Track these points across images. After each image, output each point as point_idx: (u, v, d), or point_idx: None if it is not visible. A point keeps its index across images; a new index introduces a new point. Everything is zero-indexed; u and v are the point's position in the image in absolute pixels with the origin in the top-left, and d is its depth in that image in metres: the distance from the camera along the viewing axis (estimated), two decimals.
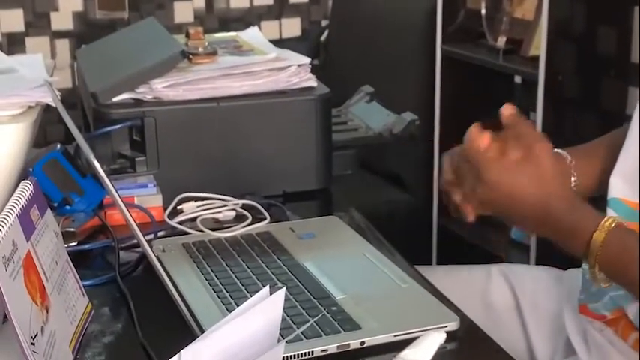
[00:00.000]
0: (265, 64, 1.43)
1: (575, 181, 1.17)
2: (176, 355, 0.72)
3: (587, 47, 2.13)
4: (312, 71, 1.45)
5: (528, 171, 1.02)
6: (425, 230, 2.62)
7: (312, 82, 1.44)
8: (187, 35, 1.49)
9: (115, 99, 1.37)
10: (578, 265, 1.19)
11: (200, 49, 1.45)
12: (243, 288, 1.07)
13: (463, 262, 1.45)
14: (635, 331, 1.10)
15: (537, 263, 2.10)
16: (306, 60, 1.45)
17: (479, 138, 1.05)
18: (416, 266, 1.19)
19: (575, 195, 1.05)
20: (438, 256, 2.64)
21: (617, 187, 1.13)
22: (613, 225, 0.98)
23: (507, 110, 1.08)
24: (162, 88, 1.37)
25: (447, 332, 0.97)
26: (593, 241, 0.98)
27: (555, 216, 1.02)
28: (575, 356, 1.17)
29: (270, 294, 0.81)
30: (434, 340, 0.44)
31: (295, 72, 1.43)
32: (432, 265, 2.54)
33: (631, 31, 2.11)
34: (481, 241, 2.42)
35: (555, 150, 1.24)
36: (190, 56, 1.43)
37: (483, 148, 1.04)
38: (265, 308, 0.80)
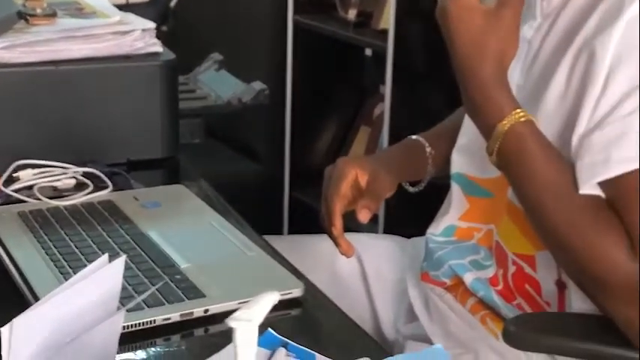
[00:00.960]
0: (108, 27, 1.39)
1: (430, 161, 1.22)
2: (7, 325, 0.68)
3: (435, 22, 2.17)
4: (160, 37, 1.42)
5: (492, 21, 0.96)
6: (276, 201, 2.62)
7: (158, 47, 1.41)
8: None
9: None
10: (422, 235, 1.22)
11: (38, 10, 1.39)
12: (82, 257, 1.04)
13: (315, 233, 1.45)
14: (472, 297, 1.13)
15: (385, 233, 2.14)
16: (152, 25, 1.41)
17: None
18: (264, 236, 1.19)
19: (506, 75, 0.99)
20: (289, 227, 2.65)
21: (458, 162, 1.17)
22: (522, 119, 0.95)
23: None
24: None
25: (292, 299, 0.98)
26: (498, 127, 0.95)
27: (481, 76, 0.96)
28: (417, 322, 1.19)
29: (110, 262, 0.78)
30: (267, 300, 0.43)
31: (140, 37, 1.39)
32: (282, 235, 2.55)
33: None
34: None
35: (414, 137, 1.26)
36: (28, 17, 1.38)
37: None
38: (103, 276, 0.78)
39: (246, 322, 0.42)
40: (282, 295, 0.95)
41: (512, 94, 0.97)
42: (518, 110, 0.95)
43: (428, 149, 1.23)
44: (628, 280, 0.89)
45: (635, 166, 0.88)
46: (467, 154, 1.16)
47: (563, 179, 0.95)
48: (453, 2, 0.96)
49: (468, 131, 1.15)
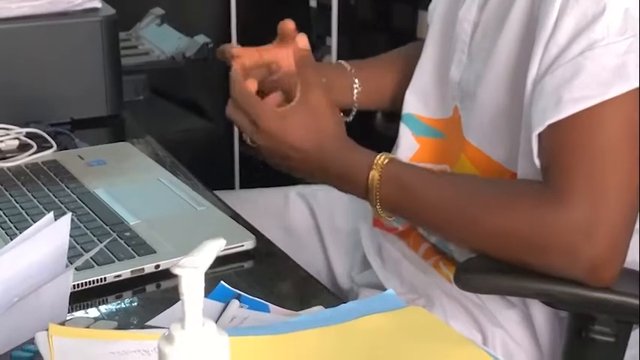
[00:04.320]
0: None
1: (357, 89, 1.19)
2: None
3: None
4: None
5: (302, 119, 1.00)
6: (226, 157, 2.60)
7: (97, 3, 1.39)
8: None
9: None
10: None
11: None
12: (29, 218, 1.02)
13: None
14: (425, 243, 1.13)
15: None
16: None
17: (246, 84, 1.02)
18: (215, 191, 1.18)
19: (348, 138, 1.03)
20: (240, 183, 2.63)
21: (411, 103, 1.16)
22: (386, 161, 0.97)
23: (287, 25, 1.07)
24: None
25: (244, 252, 0.97)
26: (370, 181, 0.97)
27: (331, 156, 1.00)
28: (371, 269, 1.20)
29: (56, 220, 0.77)
30: (213, 246, 0.42)
31: None
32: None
33: None
34: None
35: (338, 61, 1.25)
36: None
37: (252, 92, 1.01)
38: (50, 234, 0.76)
39: (193, 269, 0.41)
40: (233, 247, 0.96)
41: (364, 150, 1.00)
42: (378, 156, 0.98)
43: (348, 67, 1.20)
44: (562, 232, 0.89)
45: (584, 105, 0.88)
46: (419, 95, 1.15)
47: (453, 184, 0.98)
48: (265, 122, 0.99)
49: (422, 72, 1.15)
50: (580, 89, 0.88)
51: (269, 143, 1.01)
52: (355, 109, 1.22)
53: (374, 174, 0.97)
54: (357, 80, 1.21)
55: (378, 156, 0.98)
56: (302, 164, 1.01)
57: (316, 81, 1.03)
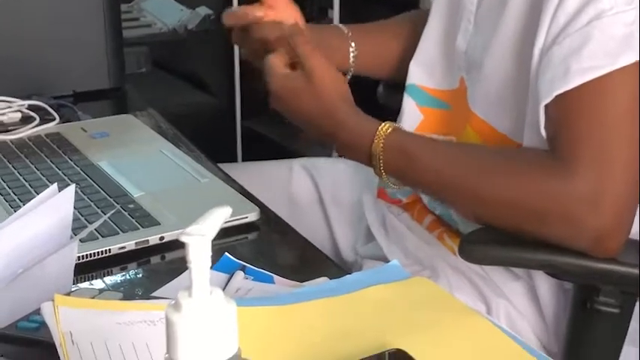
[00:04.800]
0: None
1: (353, 52, 1.17)
2: None
3: None
4: None
5: (308, 89, 1.01)
6: (229, 130, 2.60)
7: None
8: None
9: None
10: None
11: None
12: (32, 190, 1.02)
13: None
14: (429, 215, 1.13)
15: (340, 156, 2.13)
16: None
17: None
18: (218, 164, 1.17)
19: (354, 106, 1.04)
20: (243, 157, 2.63)
21: (416, 74, 1.15)
22: (390, 130, 0.97)
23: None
24: None
25: (248, 223, 0.97)
26: (373, 149, 0.98)
27: (338, 124, 1.00)
28: (375, 242, 1.20)
29: (60, 192, 0.77)
30: (219, 214, 0.42)
31: None
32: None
33: None
34: (286, 140, 2.43)
35: (335, 24, 1.24)
36: None
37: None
38: (53, 206, 0.76)
39: (200, 237, 0.41)
40: (237, 219, 0.95)
41: (369, 118, 1.01)
42: (382, 125, 0.98)
43: (345, 30, 1.20)
44: (567, 201, 0.88)
45: (593, 76, 0.88)
46: (424, 66, 1.14)
47: (457, 152, 0.98)
48: (274, 85, 1.03)
49: (427, 43, 1.14)
50: (588, 59, 0.88)
51: (277, 105, 1.04)
52: (350, 73, 1.20)
53: (377, 143, 0.97)
54: (353, 44, 1.19)
55: (382, 125, 0.98)
56: (309, 129, 1.04)
57: (309, 51, 1.03)
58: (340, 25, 1.22)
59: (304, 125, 1.04)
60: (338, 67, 1.17)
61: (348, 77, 1.19)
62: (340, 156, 1.08)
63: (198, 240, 0.41)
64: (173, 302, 0.43)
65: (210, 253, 0.42)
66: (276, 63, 1.03)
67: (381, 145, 0.97)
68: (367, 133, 0.98)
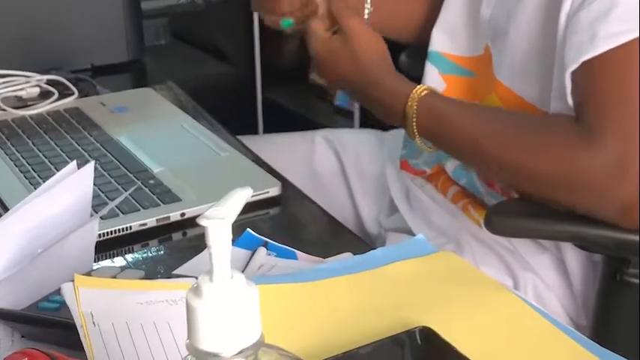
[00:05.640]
0: None
1: (368, 9, 1.15)
2: None
3: None
4: None
5: (345, 49, 1.03)
6: (249, 102, 2.58)
7: None
8: None
9: None
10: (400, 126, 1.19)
11: None
12: (52, 167, 1.01)
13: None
14: (453, 186, 1.11)
15: (362, 127, 2.11)
16: None
17: None
18: (238, 136, 1.16)
19: (390, 66, 1.05)
20: (264, 128, 2.61)
21: (439, 41, 1.13)
22: (424, 93, 0.97)
23: None
24: None
25: (270, 198, 0.96)
26: (407, 111, 0.98)
27: (376, 78, 1.02)
28: (398, 214, 1.18)
29: (79, 169, 0.75)
30: (240, 196, 0.41)
31: None
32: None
33: None
34: (306, 111, 2.41)
35: None
36: None
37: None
38: (73, 183, 0.75)
39: (219, 220, 0.39)
40: (259, 194, 0.94)
41: (405, 79, 1.01)
42: (418, 87, 0.98)
43: None
44: (594, 170, 0.87)
45: (621, 41, 0.85)
46: (447, 33, 1.12)
47: (489, 116, 0.97)
48: (316, 49, 1.06)
49: (450, 9, 1.12)
50: (616, 23, 0.85)
51: (318, 66, 1.07)
52: None
53: (411, 104, 0.98)
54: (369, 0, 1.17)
55: (418, 87, 0.98)
56: (346, 88, 1.08)
57: (346, 12, 1.06)
58: None
59: (342, 85, 1.07)
60: None
61: None
62: (374, 117, 1.07)
63: (218, 223, 0.39)
64: (194, 286, 0.41)
65: (230, 237, 0.41)
66: (318, 27, 1.06)
67: (415, 106, 0.97)
68: (402, 94, 0.99)
